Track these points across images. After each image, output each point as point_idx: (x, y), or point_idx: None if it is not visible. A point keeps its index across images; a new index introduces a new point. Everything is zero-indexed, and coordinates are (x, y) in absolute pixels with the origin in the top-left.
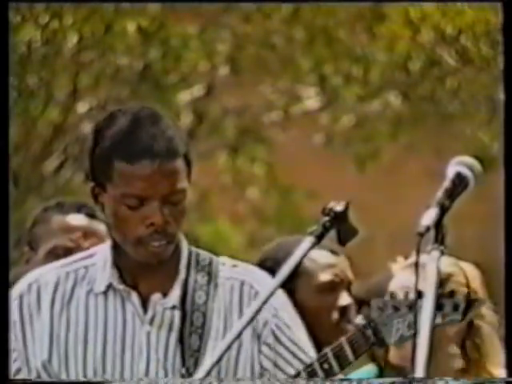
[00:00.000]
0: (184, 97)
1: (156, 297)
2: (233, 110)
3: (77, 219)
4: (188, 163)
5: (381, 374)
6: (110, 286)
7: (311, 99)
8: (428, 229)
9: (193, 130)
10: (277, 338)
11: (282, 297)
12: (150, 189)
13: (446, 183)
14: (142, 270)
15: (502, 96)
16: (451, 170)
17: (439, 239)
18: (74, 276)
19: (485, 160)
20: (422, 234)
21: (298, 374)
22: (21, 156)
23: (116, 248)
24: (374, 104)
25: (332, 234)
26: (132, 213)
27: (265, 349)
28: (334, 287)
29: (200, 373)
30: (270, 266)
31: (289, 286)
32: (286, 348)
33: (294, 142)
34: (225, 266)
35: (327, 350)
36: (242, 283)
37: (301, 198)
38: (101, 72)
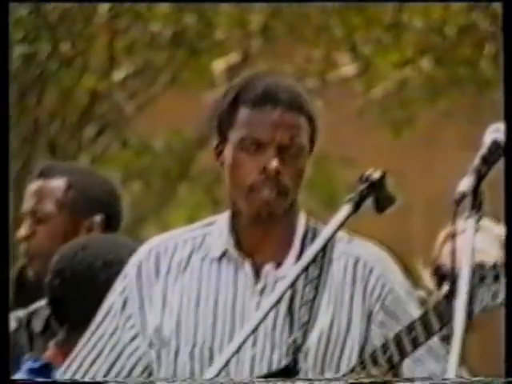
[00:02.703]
0: (219, 64)
1: (269, 267)
2: None
3: (36, 183)
4: (312, 128)
5: None
6: (225, 253)
7: (346, 66)
8: (464, 196)
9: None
10: (391, 315)
11: (397, 272)
12: (268, 134)
13: (483, 150)
14: (259, 239)
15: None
16: (488, 137)
17: (476, 206)
18: (191, 244)
19: None
20: (458, 202)
21: (385, 344)
22: (57, 125)
23: (234, 216)
24: (409, 70)
25: (369, 201)
26: (248, 158)
27: (375, 327)
28: None
29: (311, 340)
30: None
31: None
32: (400, 323)
33: (330, 109)
34: (341, 241)
35: (415, 319)
36: (357, 259)
37: (335, 166)
38: (136, 39)
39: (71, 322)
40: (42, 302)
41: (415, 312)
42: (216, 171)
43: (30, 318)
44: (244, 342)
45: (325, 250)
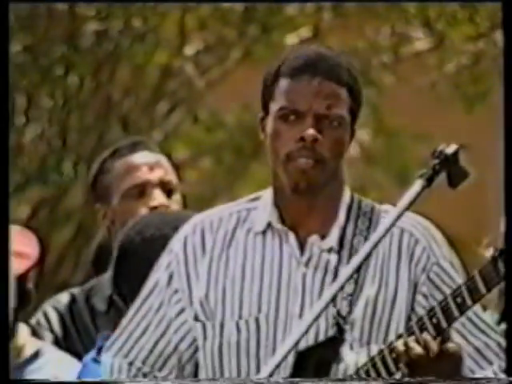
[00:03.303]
0: (291, 40)
1: (314, 238)
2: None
3: (136, 157)
4: (353, 99)
5: None
6: (269, 226)
7: (420, 40)
8: None
9: None
10: (436, 287)
11: (442, 244)
12: (304, 103)
13: None
14: (302, 211)
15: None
16: None
17: None
18: (236, 217)
19: None
20: None
21: (432, 310)
22: (130, 101)
23: (277, 190)
24: (483, 44)
25: (442, 176)
26: (286, 128)
27: (420, 298)
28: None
29: (357, 311)
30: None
31: None
32: (444, 293)
33: (403, 84)
34: (387, 214)
35: (461, 284)
36: (402, 231)
37: (408, 141)
38: (207, 14)
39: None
40: (96, 280)
41: (459, 283)
42: None
43: (88, 296)
44: (300, 339)
45: (371, 221)
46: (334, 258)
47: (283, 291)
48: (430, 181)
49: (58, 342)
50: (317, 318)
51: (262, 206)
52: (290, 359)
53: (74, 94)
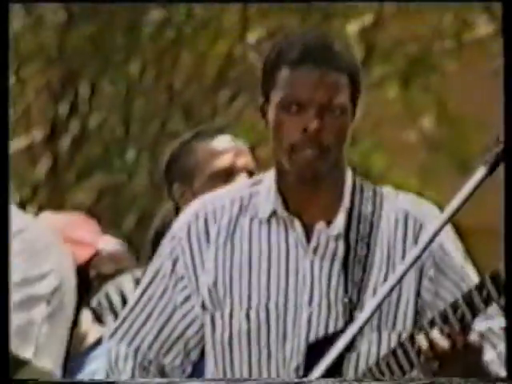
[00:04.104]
0: (352, 27)
1: (320, 225)
2: (403, 40)
3: (223, 141)
4: (354, 85)
5: None
6: (273, 213)
7: (482, 26)
8: None
9: (363, 59)
10: (440, 271)
11: (447, 228)
12: (308, 94)
13: None
14: (306, 198)
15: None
16: None
17: None
18: (238, 204)
19: None
20: None
21: (455, 303)
22: (193, 88)
23: (280, 176)
24: None
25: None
26: (289, 118)
27: (426, 281)
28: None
29: (366, 298)
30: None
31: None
32: (450, 279)
33: (465, 71)
34: (389, 197)
35: (486, 277)
36: (407, 215)
37: (471, 128)
38: (268, 2)
39: None
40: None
41: (465, 268)
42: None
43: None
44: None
45: (374, 205)
46: (341, 244)
47: (291, 279)
48: (492, 168)
49: None
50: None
51: (264, 191)
52: (302, 349)
53: (137, 82)
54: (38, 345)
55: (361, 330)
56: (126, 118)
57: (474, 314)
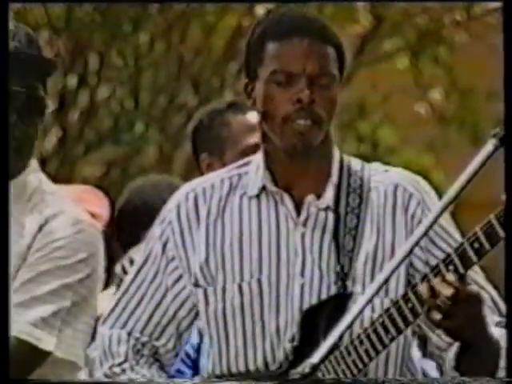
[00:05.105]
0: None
1: (310, 198)
2: (412, 12)
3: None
4: (340, 57)
5: None
6: (263, 189)
7: None
8: None
9: (373, 31)
10: (431, 240)
11: (435, 198)
12: (298, 65)
13: None
14: (295, 173)
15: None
16: None
17: None
18: (228, 183)
19: None
20: None
21: (448, 257)
22: (201, 61)
23: (268, 153)
24: None
25: None
26: (280, 91)
27: (418, 250)
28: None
29: (358, 267)
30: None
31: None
32: (440, 248)
33: (475, 43)
34: (377, 171)
35: (477, 229)
36: (396, 186)
37: (482, 100)
38: None
39: None
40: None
41: (455, 236)
42: (358, 108)
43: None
44: (349, 326)
45: (362, 179)
46: (331, 215)
47: (283, 252)
48: (503, 140)
49: None
50: (378, 291)
51: (253, 170)
52: (296, 319)
53: (146, 53)
54: (60, 336)
55: (366, 305)
56: (135, 91)
57: (467, 267)
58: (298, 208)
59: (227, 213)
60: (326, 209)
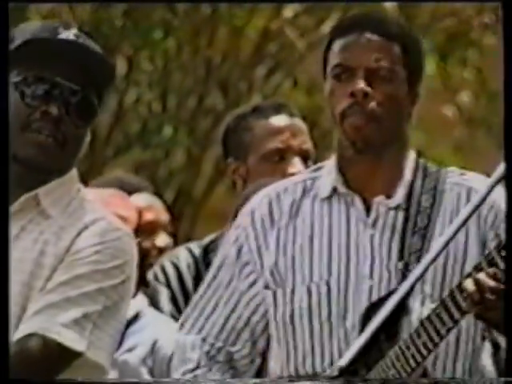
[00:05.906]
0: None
1: (379, 198)
2: (441, 14)
3: (281, 120)
4: (409, 55)
5: None
6: (334, 191)
7: None
8: None
9: None
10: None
11: (499, 190)
12: (356, 59)
13: None
14: (366, 174)
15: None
16: None
17: None
18: (301, 186)
19: None
20: None
21: (500, 244)
22: (229, 64)
23: (340, 155)
24: None
25: None
26: (339, 85)
27: (491, 234)
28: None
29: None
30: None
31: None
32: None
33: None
34: (453, 173)
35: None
36: (469, 190)
37: None
38: None
39: None
40: (214, 235)
41: None
42: None
43: (206, 251)
44: (376, 332)
45: (437, 180)
46: (400, 214)
47: (352, 254)
48: None
49: (174, 298)
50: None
51: (325, 173)
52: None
53: (174, 57)
54: (91, 338)
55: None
56: (163, 94)
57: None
58: (368, 209)
59: (299, 215)
60: (396, 208)
